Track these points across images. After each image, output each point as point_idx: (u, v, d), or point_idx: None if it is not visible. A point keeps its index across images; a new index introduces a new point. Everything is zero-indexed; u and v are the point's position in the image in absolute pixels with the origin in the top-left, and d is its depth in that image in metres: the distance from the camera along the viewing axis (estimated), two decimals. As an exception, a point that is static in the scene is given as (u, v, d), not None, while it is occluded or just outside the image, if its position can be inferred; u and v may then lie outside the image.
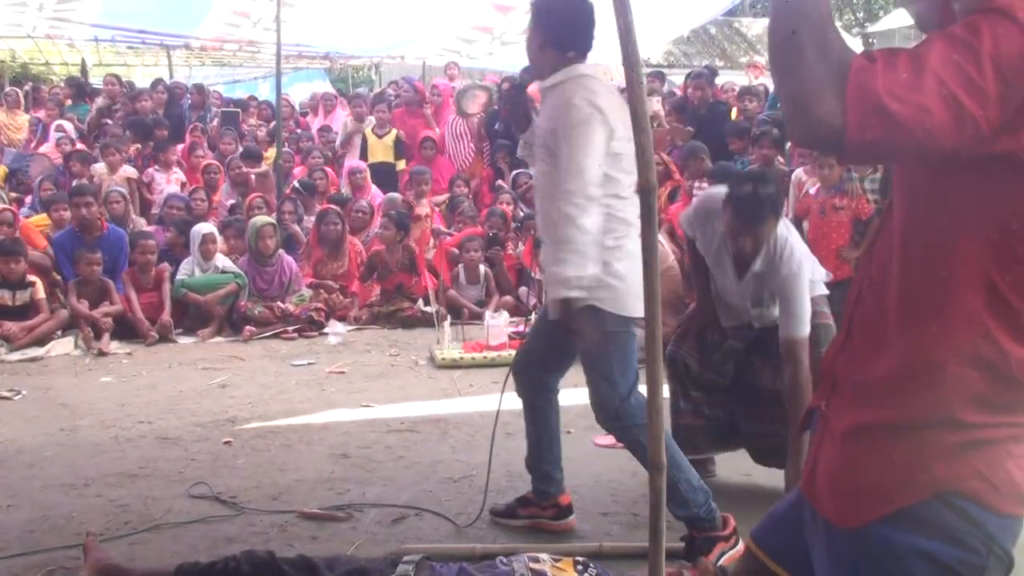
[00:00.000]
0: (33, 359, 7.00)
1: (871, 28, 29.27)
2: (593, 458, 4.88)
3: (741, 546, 3.48)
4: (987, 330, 1.48)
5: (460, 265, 8.86)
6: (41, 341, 7.30)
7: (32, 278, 7.59)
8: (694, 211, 4.29)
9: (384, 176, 10.92)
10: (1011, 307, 1.47)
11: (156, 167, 10.32)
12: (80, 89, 12.74)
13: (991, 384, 1.50)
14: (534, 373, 3.93)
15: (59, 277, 8.03)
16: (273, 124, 11.36)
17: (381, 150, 11.30)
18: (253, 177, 9.95)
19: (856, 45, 26.11)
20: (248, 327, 7.93)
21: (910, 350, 1.55)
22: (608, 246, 3.37)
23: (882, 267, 1.62)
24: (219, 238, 8.51)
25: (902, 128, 1.34)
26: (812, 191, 6.99)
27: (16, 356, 7.04)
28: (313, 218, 9.18)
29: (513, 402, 4.02)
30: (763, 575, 1.96)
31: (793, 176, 7.49)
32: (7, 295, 7.45)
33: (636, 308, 3.24)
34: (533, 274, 7.69)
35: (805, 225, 7.02)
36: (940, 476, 1.52)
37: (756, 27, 26.34)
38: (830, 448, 1.68)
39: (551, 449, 3.98)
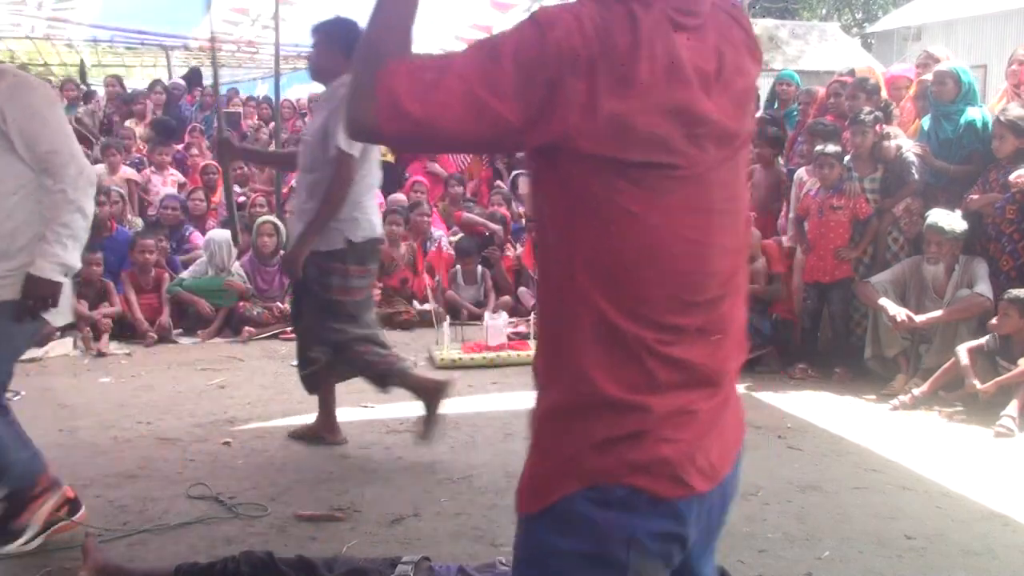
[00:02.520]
0: (32, 360, 6.98)
1: (870, 28, 29.32)
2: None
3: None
4: (598, 307, 1.55)
5: (457, 265, 8.87)
6: (40, 341, 7.27)
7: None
8: None
9: (384, 173, 10.89)
10: (618, 285, 1.55)
11: (152, 168, 10.32)
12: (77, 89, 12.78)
13: (622, 360, 1.56)
14: None
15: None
16: (273, 124, 11.37)
17: (380, 148, 11.26)
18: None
19: (855, 45, 26.10)
20: (247, 328, 7.93)
21: (551, 332, 1.65)
22: None
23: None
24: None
25: (424, 125, 1.48)
26: (812, 191, 6.99)
27: (15, 357, 7.02)
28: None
29: (512, 402, 4.03)
30: None
31: (795, 175, 7.48)
32: (6, 295, 7.44)
33: None
34: (533, 275, 7.70)
35: (806, 224, 7.02)
36: (593, 467, 1.56)
37: (755, 28, 26.38)
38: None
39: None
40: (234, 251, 8.38)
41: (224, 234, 8.35)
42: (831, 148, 6.84)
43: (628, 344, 1.55)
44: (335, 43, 4.68)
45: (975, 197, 6.33)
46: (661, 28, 1.52)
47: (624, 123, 1.48)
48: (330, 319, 4.76)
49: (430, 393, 4.84)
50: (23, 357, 6.89)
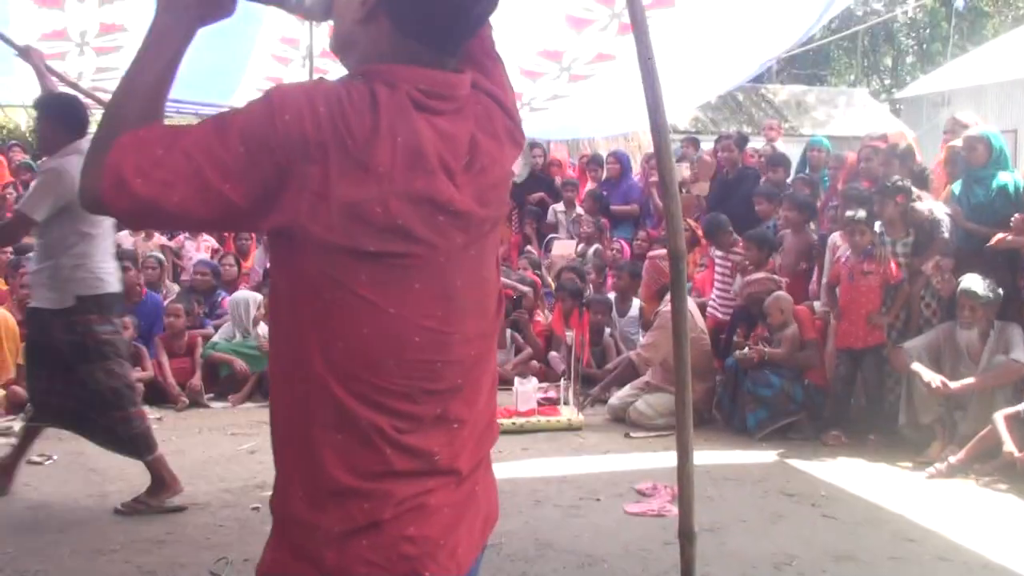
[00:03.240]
0: (64, 424, 7.03)
1: (899, 94, 29.38)
2: (623, 526, 4.82)
3: None
4: (334, 394, 1.49)
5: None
6: (73, 406, 7.33)
7: (67, 342, 7.64)
8: None
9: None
10: (351, 374, 1.49)
11: (186, 234, 10.45)
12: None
13: (357, 447, 1.50)
14: None
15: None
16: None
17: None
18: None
19: (883, 111, 26.10)
20: (277, 393, 7.93)
21: (284, 416, 1.57)
22: None
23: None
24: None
25: (148, 201, 1.41)
26: (844, 257, 6.97)
27: (47, 421, 7.06)
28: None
29: (541, 468, 4.00)
30: None
31: (829, 240, 7.46)
32: (41, 359, 7.51)
33: None
34: (563, 340, 7.68)
35: (838, 290, 6.98)
36: (331, 565, 1.49)
37: (783, 93, 26.51)
38: None
39: None
40: (253, 312, 8.45)
41: (246, 295, 8.42)
42: (860, 214, 6.82)
43: (364, 431, 1.49)
44: (55, 119, 5.05)
45: (1001, 235, 6.28)
46: (404, 113, 1.47)
47: (359, 212, 1.42)
48: (89, 364, 4.92)
49: (161, 487, 5.05)
50: (56, 421, 6.96)
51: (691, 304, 7.22)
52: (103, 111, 1.50)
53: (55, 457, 6.08)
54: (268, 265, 1.49)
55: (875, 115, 25.11)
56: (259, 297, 8.56)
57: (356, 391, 1.49)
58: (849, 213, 6.90)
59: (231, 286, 9.45)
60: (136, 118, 1.47)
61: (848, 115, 25.32)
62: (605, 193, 10.75)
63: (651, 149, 11.95)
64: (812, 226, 8.14)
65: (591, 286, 9.24)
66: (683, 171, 9.93)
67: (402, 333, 1.50)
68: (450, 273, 1.54)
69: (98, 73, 6.59)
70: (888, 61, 36.34)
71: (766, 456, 6.39)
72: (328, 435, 1.50)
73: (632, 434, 6.92)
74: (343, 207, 1.41)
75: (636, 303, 8.69)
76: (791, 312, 7.01)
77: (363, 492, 1.50)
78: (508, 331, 8.84)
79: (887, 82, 35.76)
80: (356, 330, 1.48)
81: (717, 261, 8.20)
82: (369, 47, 1.56)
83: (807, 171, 9.47)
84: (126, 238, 9.89)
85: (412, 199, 1.46)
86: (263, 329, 8.31)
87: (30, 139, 18.40)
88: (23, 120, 18.31)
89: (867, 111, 25.77)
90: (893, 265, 6.73)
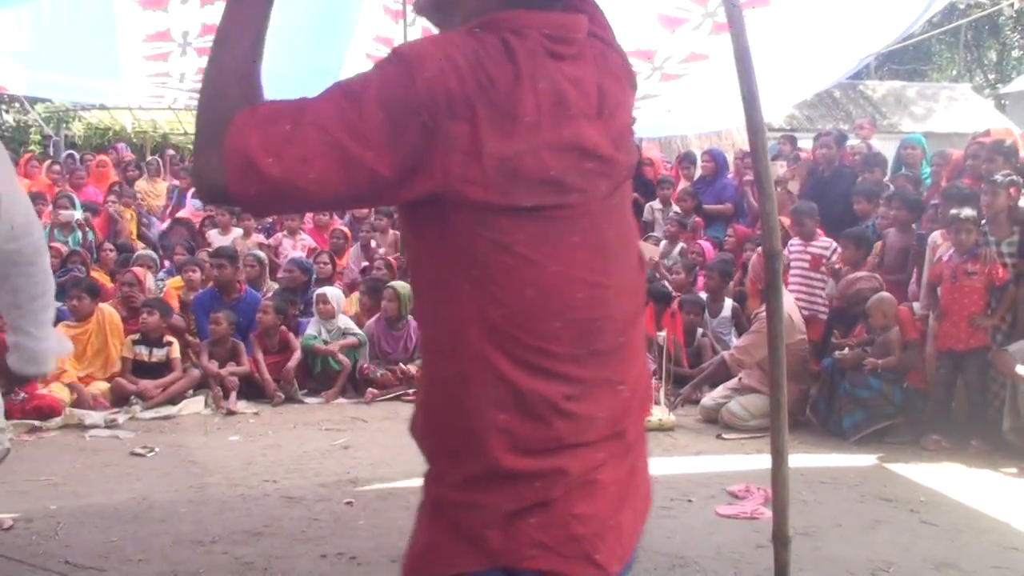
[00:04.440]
0: (166, 417, 7.23)
1: (1004, 89, 28.49)
2: (715, 528, 4.77)
3: None
4: (496, 367, 1.40)
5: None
6: (173, 400, 7.53)
7: (170, 338, 7.86)
8: None
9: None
10: (515, 340, 1.40)
11: (284, 232, 10.65)
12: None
13: (523, 421, 1.42)
14: None
15: (192, 338, 8.31)
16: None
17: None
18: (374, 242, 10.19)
19: (988, 106, 25.32)
20: (370, 389, 8.04)
21: (440, 399, 1.49)
22: None
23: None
24: (342, 299, 8.70)
25: (281, 182, 1.31)
26: (946, 256, 6.77)
27: (150, 414, 7.27)
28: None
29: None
30: None
31: (929, 239, 7.26)
32: (144, 352, 7.74)
33: None
34: (654, 340, 7.62)
35: (939, 290, 6.80)
36: (497, 547, 1.42)
37: (881, 89, 25.93)
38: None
39: None
40: (342, 301, 8.59)
41: (326, 290, 8.54)
42: (967, 212, 6.63)
43: (530, 404, 1.41)
44: None
45: None
46: (539, 59, 1.39)
47: (513, 166, 1.35)
48: None
49: None
50: (157, 415, 7.17)
51: (793, 306, 7.10)
52: (198, 104, 1.37)
53: (157, 449, 6.25)
54: (407, 245, 1.44)
55: (979, 111, 24.40)
56: (338, 292, 8.71)
57: (521, 360, 1.41)
58: (954, 211, 6.71)
59: (326, 284, 9.61)
60: (239, 97, 1.36)
61: (951, 111, 24.65)
62: (699, 191, 10.64)
63: (745, 147, 11.81)
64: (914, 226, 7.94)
65: (678, 286, 9.12)
66: (778, 169, 9.77)
67: (565, 290, 1.42)
68: (602, 223, 1.47)
69: (199, 74, 6.76)
70: (992, 55, 35.23)
71: (862, 460, 6.25)
72: (491, 415, 1.42)
73: (725, 435, 6.84)
74: (496, 162, 1.34)
75: (728, 303, 8.59)
76: (894, 314, 6.84)
77: (533, 472, 1.43)
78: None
79: (991, 77, 34.68)
80: (519, 293, 1.40)
81: (794, 253, 7.98)
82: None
83: (903, 169, 9.23)
84: (218, 237, 10.13)
85: (561, 148, 1.39)
86: (343, 322, 8.43)
87: (135, 140, 18.99)
88: (128, 121, 18.88)
89: (970, 107, 25.05)
90: (999, 266, 6.52)
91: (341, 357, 8.19)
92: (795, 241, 7.98)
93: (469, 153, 1.33)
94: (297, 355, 8.11)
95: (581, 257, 1.43)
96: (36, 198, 11.87)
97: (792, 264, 7.93)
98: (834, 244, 7.78)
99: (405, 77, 1.32)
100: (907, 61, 31.90)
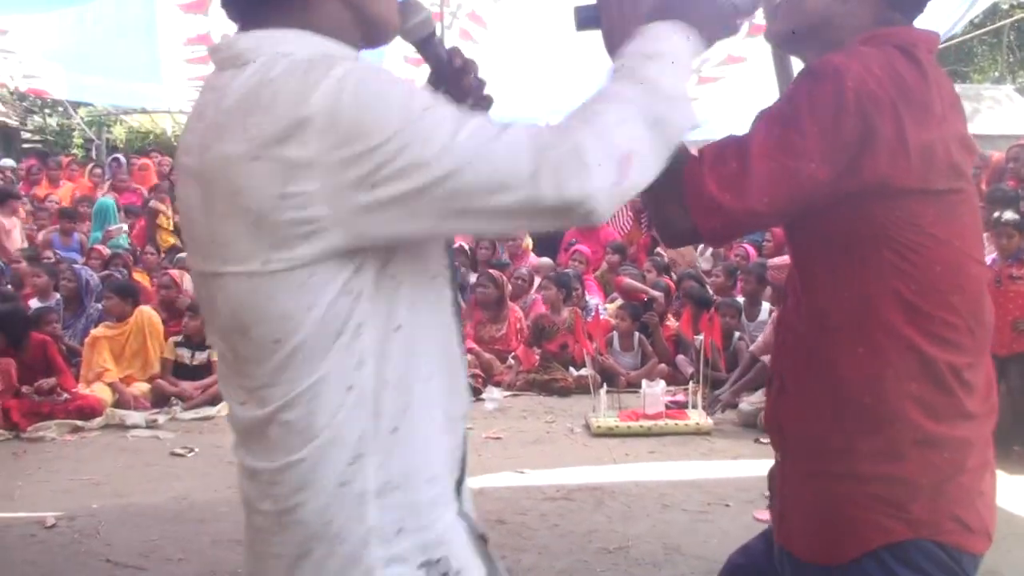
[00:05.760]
0: (206, 418, 7.28)
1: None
2: (752, 533, 4.74)
3: None
4: (909, 339, 1.56)
5: (614, 331, 8.83)
6: (213, 401, 7.60)
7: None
8: None
9: (542, 242, 11.04)
10: (924, 313, 1.57)
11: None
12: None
13: (936, 392, 1.57)
14: None
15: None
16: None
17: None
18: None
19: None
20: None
21: (847, 372, 1.60)
22: None
23: (800, 317, 1.70)
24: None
25: (740, 212, 1.50)
26: (989, 260, 6.69)
27: (190, 415, 7.34)
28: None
29: (669, 472, 3.97)
30: None
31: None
32: (187, 354, 7.83)
33: None
34: (691, 343, 7.59)
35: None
36: (918, 517, 1.56)
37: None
38: (798, 491, 1.72)
39: None
40: None
41: None
42: (1009, 215, 6.54)
43: (939, 373, 1.57)
44: None
45: None
46: (935, 65, 1.61)
47: (930, 153, 1.53)
48: None
49: None
50: (197, 416, 7.25)
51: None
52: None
53: (197, 450, 6.32)
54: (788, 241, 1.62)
55: (1022, 113, 24.08)
56: None
57: (930, 332, 1.57)
58: (996, 215, 6.63)
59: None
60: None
61: (995, 112, 24.33)
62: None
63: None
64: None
65: (718, 290, 9.10)
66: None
67: (964, 265, 1.61)
68: (976, 208, 1.69)
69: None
70: (1036, 56, 34.73)
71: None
72: (905, 385, 1.56)
73: (763, 440, 6.79)
74: (919, 151, 1.52)
75: (766, 306, 8.52)
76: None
77: (947, 439, 1.57)
78: (636, 335, 8.79)
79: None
80: (930, 268, 1.57)
81: None
82: (847, 19, 1.67)
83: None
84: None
85: (957, 140, 1.59)
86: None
87: (175, 144, 19.18)
88: (168, 125, 19.11)
89: (1015, 108, 24.72)
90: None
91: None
92: None
93: (895, 148, 1.51)
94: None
95: (971, 236, 1.64)
96: (80, 201, 12.11)
97: None
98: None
99: (832, 90, 1.49)
100: (948, 62, 31.48)
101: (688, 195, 1.51)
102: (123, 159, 14.02)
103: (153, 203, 11.18)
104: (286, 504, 1.35)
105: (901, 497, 1.56)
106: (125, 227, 10.59)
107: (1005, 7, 19.10)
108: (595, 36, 1.62)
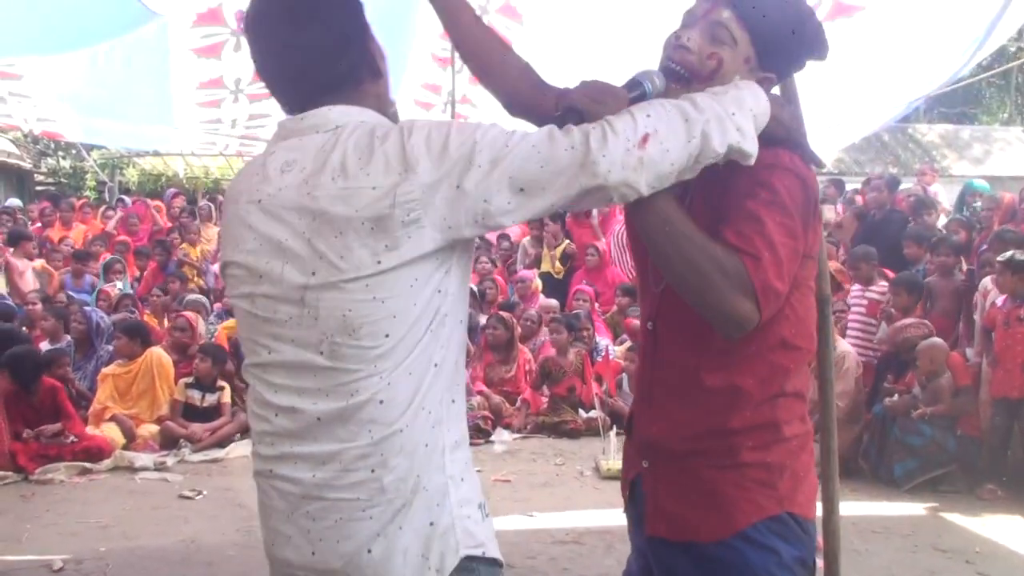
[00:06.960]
0: (214, 460, 7.26)
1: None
2: None
3: None
4: (786, 369, 1.96)
5: (624, 372, 8.80)
6: (222, 443, 7.58)
7: (222, 383, 7.93)
8: None
9: (548, 285, 11.02)
10: (798, 349, 1.98)
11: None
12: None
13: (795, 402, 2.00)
14: None
15: (241, 382, 8.37)
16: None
17: (548, 260, 11.46)
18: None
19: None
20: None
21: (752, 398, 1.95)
22: None
23: (679, 348, 2.00)
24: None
25: (784, 294, 1.83)
26: (999, 301, 6.66)
27: (198, 457, 7.31)
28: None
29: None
30: None
31: (981, 284, 7.15)
32: (197, 396, 7.82)
33: None
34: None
35: (993, 336, 6.67)
36: (784, 494, 1.93)
37: (931, 134, 25.68)
38: (675, 485, 2.03)
39: None
40: None
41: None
42: (1021, 256, 6.51)
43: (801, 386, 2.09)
44: None
45: None
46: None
47: (812, 254, 1.97)
48: None
49: None
50: (206, 458, 7.22)
51: (850, 351, 7.03)
52: (689, 280, 1.79)
53: (205, 492, 6.29)
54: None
55: (1030, 154, 24.10)
56: None
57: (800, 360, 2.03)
58: (1005, 256, 6.60)
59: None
60: (722, 255, 1.77)
61: (1006, 154, 24.37)
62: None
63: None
64: (959, 270, 7.81)
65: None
66: (826, 213, 9.70)
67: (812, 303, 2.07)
68: None
69: (251, 120, 6.87)
70: (1044, 98, 34.79)
71: (915, 509, 6.12)
72: (785, 400, 1.98)
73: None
74: (813, 242, 1.96)
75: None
76: (943, 360, 6.70)
77: (796, 436, 1.99)
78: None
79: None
80: (810, 314, 2.02)
81: (854, 298, 7.90)
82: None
83: (964, 212, 9.10)
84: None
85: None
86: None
87: (187, 186, 19.30)
88: (181, 167, 19.21)
89: (1021, 150, 24.75)
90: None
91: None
92: (856, 286, 7.90)
93: (816, 222, 1.93)
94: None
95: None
96: (93, 241, 12.18)
97: (852, 309, 7.86)
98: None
99: (802, 187, 1.87)
100: (956, 104, 31.57)
101: (759, 291, 1.75)
102: (128, 200, 14.12)
103: (184, 257, 11.40)
104: (383, 469, 1.67)
105: (777, 478, 1.94)
106: (119, 284, 10.74)
107: (1013, 50, 19.16)
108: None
